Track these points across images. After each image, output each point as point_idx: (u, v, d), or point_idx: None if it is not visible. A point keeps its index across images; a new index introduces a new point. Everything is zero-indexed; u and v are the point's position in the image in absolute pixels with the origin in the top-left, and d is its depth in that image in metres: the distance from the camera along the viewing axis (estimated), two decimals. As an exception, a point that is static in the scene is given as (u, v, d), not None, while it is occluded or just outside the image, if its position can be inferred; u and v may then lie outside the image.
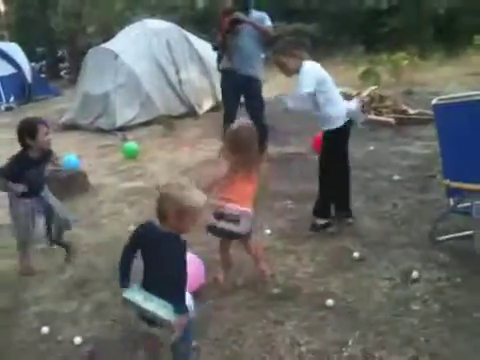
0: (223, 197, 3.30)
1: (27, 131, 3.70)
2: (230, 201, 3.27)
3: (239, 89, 6.38)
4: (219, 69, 6.59)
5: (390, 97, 8.55)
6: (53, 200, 4.03)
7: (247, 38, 6.20)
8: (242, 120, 3.70)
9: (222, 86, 6.68)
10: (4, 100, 14.92)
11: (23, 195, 3.80)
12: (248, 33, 6.18)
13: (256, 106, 6.36)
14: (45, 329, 3.18)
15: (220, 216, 3.29)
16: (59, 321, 3.30)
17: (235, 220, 3.27)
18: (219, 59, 6.52)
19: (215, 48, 6.57)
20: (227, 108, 6.62)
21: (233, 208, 3.26)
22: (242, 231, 3.33)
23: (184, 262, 2.43)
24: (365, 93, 8.76)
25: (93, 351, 3.00)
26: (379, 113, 8.00)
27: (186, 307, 2.45)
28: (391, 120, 7.69)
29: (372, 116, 7.97)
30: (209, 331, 3.05)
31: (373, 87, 9.14)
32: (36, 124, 3.74)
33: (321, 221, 4.23)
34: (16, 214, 3.88)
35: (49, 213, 3.97)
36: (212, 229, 3.37)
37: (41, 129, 3.71)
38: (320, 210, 4.26)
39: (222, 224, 3.29)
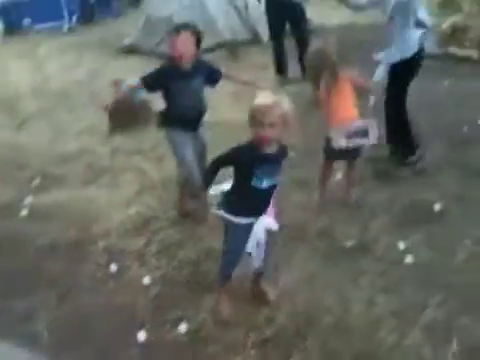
0: (341, 116, 3.40)
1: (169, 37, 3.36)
2: (349, 116, 3.42)
3: (285, 14, 6.56)
4: None
5: (473, 28, 7.83)
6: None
7: None
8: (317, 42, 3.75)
9: (268, 12, 6.88)
10: (67, 19, 14.79)
11: (179, 123, 3.38)
12: None
13: (302, 30, 6.64)
14: (114, 267, 3.17)
15: (350, 136, 3.37)
16: (127, 258, 3.27)
17: (364, 134, 3.40)
18: None
19: None
20: (275, 36, 6.94)
21: (359, 123, 3.41)
22: (373, 141, 3.47)
23: None
24: (447, 24, 8.06)
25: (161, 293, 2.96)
26: (461, 45, 7.35)
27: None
28: (473, 54, 7.05)
29: (450, 49, 7.36)
30: (279, 278, 2.95)
31: (455, 17, 8.38)
32: (172, 31, 3.30)
33: (413, 158, 4.04)
34: (173, 148, 3.49)
35: (202, 155, 3.54)
36: (337, 152, 3.44)
37: (176, 36, 3.24)
38: (407, 148, 4.03)
39: (355, 141, 3.39)
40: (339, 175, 3.84)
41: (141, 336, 2.63)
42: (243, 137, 2.52)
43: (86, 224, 3.67)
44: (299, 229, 3.36)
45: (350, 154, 3.51)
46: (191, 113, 3.40)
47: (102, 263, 3.23)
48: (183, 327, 2.68)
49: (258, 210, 2.57)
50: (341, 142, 3.38)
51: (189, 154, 3.42)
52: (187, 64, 3.28)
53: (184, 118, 3.36)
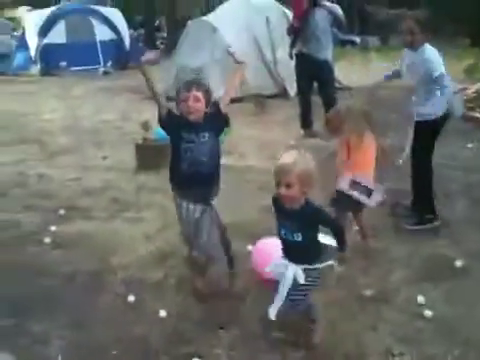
0: (353, 168, 3.48)
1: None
2: (362, 172, 3.50)
3: (313, 73, 6.80)
4: (292, 54, 7.01)
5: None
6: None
7: (321, 22, 6.63)
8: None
9: (297, 70, 7.10)
10: (102, 64, 15.41)
11: (186, 187, 3.13)
12: (322, 17, 6.61)
13: (329, 88, 6.85)
14: (131, 298, 3.19)
15: (353, 185, 3.46)
16: (145, 291, 3.29)
17: (367, 192, 3.47)
18: (293, 44, 6.96)
19: (289, 32, 6.98)
20: (302, 92, 7.18)
21: (367, 180, 3.49)
22: (371, 204, 3.54)
23: None
24: (472, 89, 8.20)
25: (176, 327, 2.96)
26: (486, 112, 7.44)
27: None
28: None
29: (477, 114, 7.46)
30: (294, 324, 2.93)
31: (481, 83, 8.53)
32: (184, 87, 3.13)
33: (428, 216, 4.02)
34: (179, 217, 3.24)
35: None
36: (341, 200, 3.53)
37: (186, 93, 3.07)
38: (426, 206, 4.03)
39: (355, 193, 3.47)
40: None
41: (155, 368, 2.62)
42: (270, 182, 2.60)
43: (107, 255, 3.72)
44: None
45: (352, 205, 3.58)
46: (201, 172, 3.08)
47: (120, 293, 3.26)
48: (197, 363, 2.67)
49: (288, 256, 2.68)
50: (343, 185, 3.47)
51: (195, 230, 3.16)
52: (197, 119, 3.11)
53: (193, 179, 3.08)
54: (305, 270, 2.61)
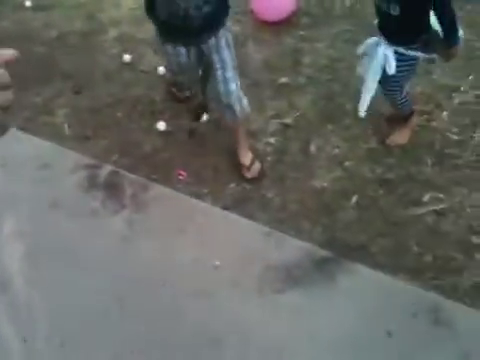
0: None
1: None
2: None
3: None
4: None
5: None
6: (226, 59, 2.13)
7: None
8: None
9: None
10: None
11: (165, 33, 2.16)
12: None
13: None
14: (127, 57, 3.02)
15: None
16: (140, 48, 3.10)
17: None
18: None
19: None
20: None
21: None
22: None
23: None
24: None
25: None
26: None
27: None
28: None
29: None
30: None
31: None
32: None
33: None
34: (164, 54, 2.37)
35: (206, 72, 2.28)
36: None
37: None
38: None
39: None
40: None
41: (161, 126, 2.61)
42: None
43: (95, 12, 3.42)
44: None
45: None
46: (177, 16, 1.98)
47: (115, 53, 3.08)
48: (204, 117, 2.64)
49: (383, 33, 2.11)
50: None
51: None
52: None
53: (169, 24, 2.06)
54: (397, 53, 2.06)
